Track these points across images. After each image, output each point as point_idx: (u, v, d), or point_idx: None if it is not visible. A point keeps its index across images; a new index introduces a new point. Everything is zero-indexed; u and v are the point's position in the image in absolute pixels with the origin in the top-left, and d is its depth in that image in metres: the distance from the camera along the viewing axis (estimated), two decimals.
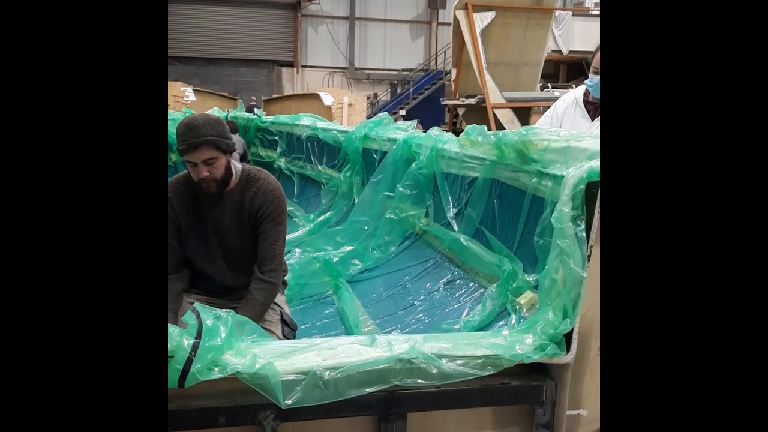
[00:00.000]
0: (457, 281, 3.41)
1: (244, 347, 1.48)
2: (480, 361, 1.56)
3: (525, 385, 1.67)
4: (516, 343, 1.61)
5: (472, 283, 3.30)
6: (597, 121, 3.39)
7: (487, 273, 3.19)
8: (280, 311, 2.76)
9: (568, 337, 1.63)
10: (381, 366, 1.50)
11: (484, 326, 2.82)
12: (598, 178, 1.64)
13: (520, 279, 2.85)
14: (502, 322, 2.79)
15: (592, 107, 3.41)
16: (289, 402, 1.42)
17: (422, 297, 3.48)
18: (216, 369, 1.38)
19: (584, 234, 1.63)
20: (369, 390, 1.49)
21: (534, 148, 2.84)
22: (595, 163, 1.66)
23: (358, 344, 1.56)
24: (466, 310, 3.10)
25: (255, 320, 2.23)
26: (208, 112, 7.47)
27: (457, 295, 3.29)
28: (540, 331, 1.61)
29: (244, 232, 2.50)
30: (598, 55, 3.19)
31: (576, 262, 1.61)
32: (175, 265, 2.45)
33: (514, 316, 2.72)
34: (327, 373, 1.45)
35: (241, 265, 2.56)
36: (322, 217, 5.48)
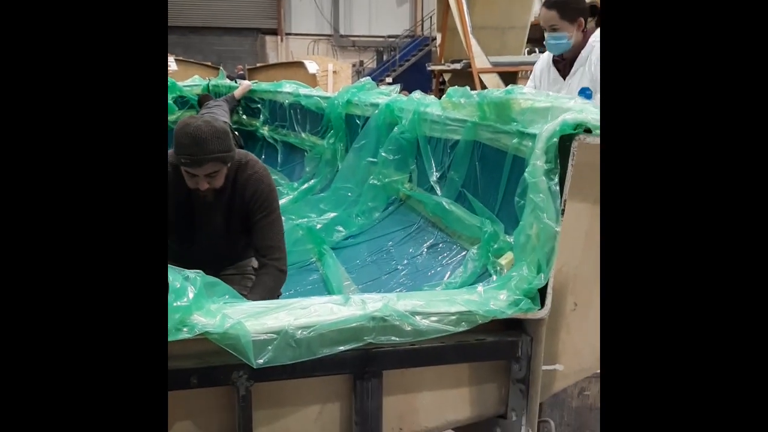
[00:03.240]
0: (440, 245, 3.40)
1: (214, 308, 1.47)
2: (454, 317, 1.55)
3: (500, 341, 1.67)
4: (490, 299, 1.61)
5: (454, 246, 3.29)
6: (571, 78, 3.37)
7: (470, 236, 3.18)
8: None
9: (542, 292, 1.62)
10: (354, 324, 1.49)
11: (465, 287, 2.82)
12: (572, 131, 1.61)
13: (501, 240, 2.83)
14: (483, 283, 2.79)
15: (561, 65, 3.39)
16: (260, 361, 1.41)
17: (405, 261, 3.48)
18: (184, 329, 1.37)
19: (558, 188, 1.62)
20: (342, 348, 1.48)
21: (517, 106, 2.81)
22: (569, 116, 1.63)
23: (331, 303, 1.55)
24: (448, 272, 3.10)
25: (266, 296, 2.25)
26: (188, 82, 7.40)
27: (439, 258, 3.29)
28: (514, 287, 1.60)
29: (233, 220, 2.47)
30: (543, 11, 3.18)
31: (549, 216, 1.59)
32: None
33: (494, 277, 2.72)
34: (299, 332, 1.44)
35: (224, 247, 2.57)
36: (306, 185, 5.44)
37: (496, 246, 2.85)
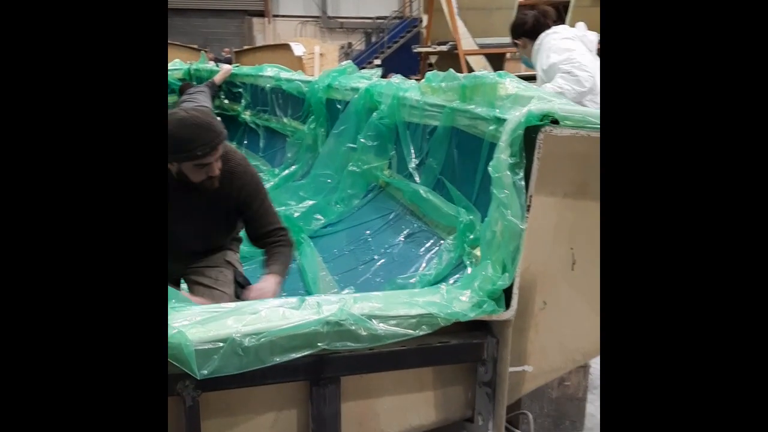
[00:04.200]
0: (418, 234, 3.32)
1: None
2: (414, 320, 1.47)
3: (465, 344, 1.59)
4: (453, 300, 1.52)
5: (431, 236, 3.22)
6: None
7: (447, 225, 3.11)
8: (234, 270, 2.67)
9: (508, 292, 1.54)
10: (307, 330, 1.40)
11: (440, 279, 2.75)
12: (538, 122, 1.53)
13: (477, 230, 2.76)
14: (458, 276, 2.72)
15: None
16: (205, 372, 1.33)
17: (383, 251, 3.40)
18: None
19: (523, 183, 1.53)
20: (294, 356, 1.40)
21: (503, 91, 2.73)
22: (534, 106, 1.54)
23: (283, 307, 1.46)
24: (424, 264, 3.02)
25: (284, 272, 2.37)
26: (169, 66, 7.24)
27: (416, 248, 3.21)
28: (477, 288, 1.52)
29: (216, 212, 2.42)
30: None
31: (514, 213, 1.50)
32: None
33: (470, 269, 2.64)
34: (247, 339, 1.35)
35: (202, 240, 2.52)
36: (287, 171, 5.34)
37: (471, 236, 2.78)
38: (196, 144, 2.07)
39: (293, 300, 1.51)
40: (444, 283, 1.64)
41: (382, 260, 3.28)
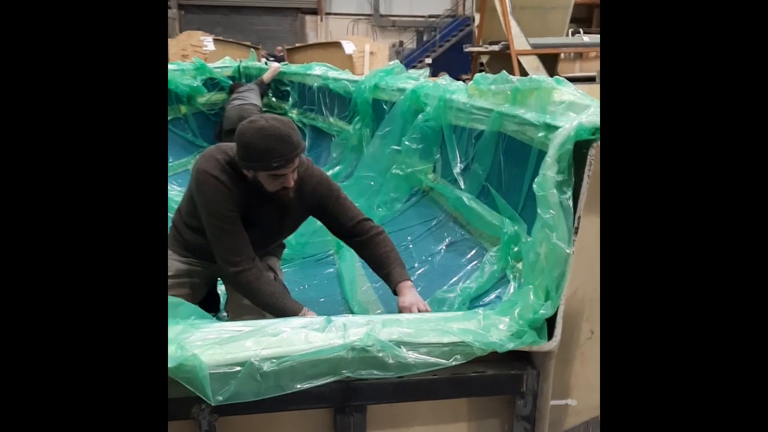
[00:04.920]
0: (460, 243, 3.20)
1: (174, 333, 1.30)
2: (447, 349, 1.35)
3: (502, 375, 1.46)
4: (490, 328, 1.40)
5: (474, 246, 3.09)
6: None
7: (490, 234, 2.97)
8: (275, 277, 2.62)
9: (551, 321, 1.41)
10: (330, 355, 1.30)
11: (481, 293, 2.62)
12: (590, 136, 1.39)
13: (522, 242, 2.63)
14: (500, 290, 2.58)
15: None
16: (220, 398, 1.24)
17: (424, 258, 3.29)
18: None
19: (571, 203, 1.40)
20: (316, 383, 1.30)
21: (558, 97, 2.60)
22: (586, 119, 1.41)
23: (306, 329, 1.36)
24: (466, 275, 2.90)
25: (405, 268, 2.37)
26: (218, 64, 7.28)
27: (458, 258, 3.08)
28: (517, 316, 1.39)
29: (287, 219, 2.42)
30: None
31: (560, 236, 1.37)
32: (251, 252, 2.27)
33: (513, 284, 2.51)
34: (266, 364, 1.26)
35: (273, 240, 2.55)
36: (331, 171, 5.28)
37: (516, 249, 2.64)
38: (273, 155, 2.03)
39: (318, 321, 1.42)
40: (481, 308, 1.51)
41: (423, 269, 3.17)
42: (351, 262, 3.56)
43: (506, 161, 3.04)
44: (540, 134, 2.60)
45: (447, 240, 3.32)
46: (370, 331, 1.33)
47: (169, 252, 2.46)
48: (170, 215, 4.67)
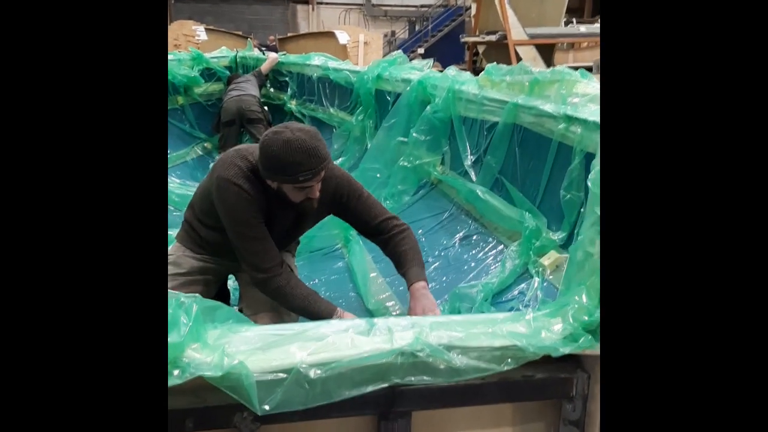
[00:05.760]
0: (474, 237, 3.15)
1: (213, 339, 1.24)
2: (498, 353, 1.30)
3: (551, 378, 1.40)
4: (542, 329, 1.34)
5: (490, 239, 3.04)
6: None
7: (507, 228, 2.93)
8: None
9: None
10: (379, 361, 1.25)
11: (503, 288, 2.58)
12: None
13: (543, 237, 2.58)
14: (523, 285, 2.54)
15: None
16: (267, 407, 1.18)
17: (437, 253, 3.24)
18: (175, 372, 1.14)
19: None
20: (365, 389, 1.24)
21: (581, 90, 2.55)
22: None
23: (351, 332, 1.30)
24: (484, 269, 2.85)
25: (423, 267, 2.30)
26: (215, 54, 7.17)
27: (473, 252, 3.04)
28: (571, 318, 1.33)
29: (307, 220, 2.40)
30: None
31: None
32: (279, 256, 2.22)
33: (537, 279, 2.46)
34: (313, 371, 1.20)
35: (289, 240, 2.51)
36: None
37: (538, 243, 2.60)
38: (299, 169, 1.99)
39: (361, 323, 1.35)
40: (530, 309, 1.45)
41: (437, 263, 3.13)
42: (361, 256, 3.50)
43: (522, 154, 3.00)
44: (560, 126, 2.55)
45: (460, 233, 3.27)
46: (419, 335, 1.28)
47: (183, 249, 2.41)
48: (170, 208, 4.56)
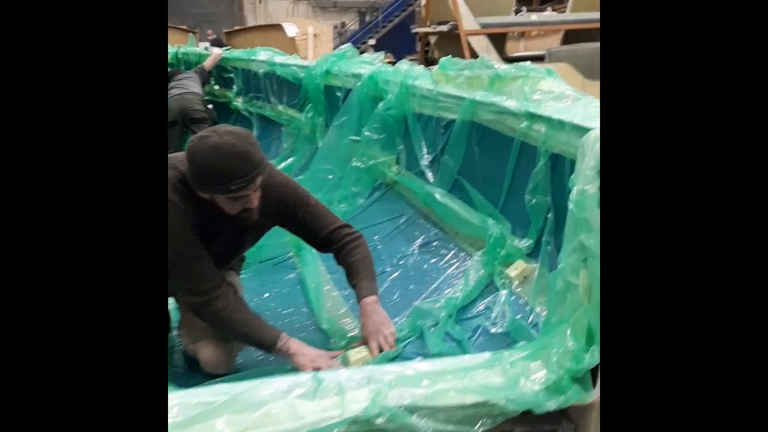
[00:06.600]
0: (434, 243, 2.95)
1: None
2: (471, 412, 1.08)
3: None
4: (520, 377, 1.13)
5: (451, 246, 2.84)
6: None
7: (468, 234, 2.73)
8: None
9: (594, 369, 1.16)
10: None
11: (468, 303, 2.38)
12: None
13: (509, 245, 2.39)
14: (489, 299, 2.35)
15: None
16: None
17: (395, 261, 3.02)
18: None
19: None
20: None
21: (545, 87, 2.36)
22: None
23: (294, 395, 1.07)
24: (446, 279, 2.65)
25: (375, 280, 2.17)
26: None
27: (434, 260, 2.83)
28: (556, 364, 1.13)
29: (249, 234, 2.18)
30: None
31: None
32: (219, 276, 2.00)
33: (504, 292, 2.27)
34: None
35: (232, 257, 2.27)
36: (283, 164, 4.98)
37: (503, 252, 2.41)
38: (230, 177, 1.75)
39: (305, 381, 1.12)
40: (507, 350, 1.24)
41: (396, 273, 2.91)
42: (314, 266, 3.26)
43: (482, 153, 2.80)
44: (522, 124, 2.35)
45: (419, 240, 3.06)
46: (376, 397, 1.05)
47: None
48: None
